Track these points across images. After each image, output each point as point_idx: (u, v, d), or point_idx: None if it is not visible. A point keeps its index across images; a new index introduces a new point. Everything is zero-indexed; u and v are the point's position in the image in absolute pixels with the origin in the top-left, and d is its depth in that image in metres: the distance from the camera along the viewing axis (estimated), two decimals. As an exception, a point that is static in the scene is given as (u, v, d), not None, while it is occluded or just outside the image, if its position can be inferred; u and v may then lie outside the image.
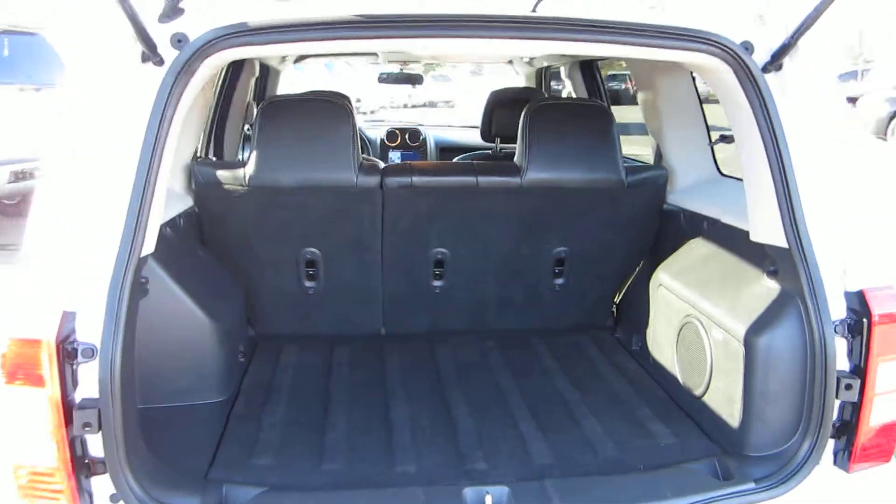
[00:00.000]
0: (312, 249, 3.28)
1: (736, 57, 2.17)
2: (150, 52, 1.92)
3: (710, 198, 3.22)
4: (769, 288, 2.44)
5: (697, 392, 2.72)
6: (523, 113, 3.26)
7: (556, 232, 3.40)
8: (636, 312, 3.43)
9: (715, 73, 2.27)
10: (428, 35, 2.10)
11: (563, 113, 3.31)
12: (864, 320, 2.17)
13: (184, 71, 1.96)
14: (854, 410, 2.21)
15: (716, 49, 2.17)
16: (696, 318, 2.74)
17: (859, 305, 2.19)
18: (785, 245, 2.27)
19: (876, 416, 2.22)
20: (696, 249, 3.04)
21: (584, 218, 3.36)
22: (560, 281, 3.53)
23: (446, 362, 3.26)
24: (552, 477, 2.26)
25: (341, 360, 3.27)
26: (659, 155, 3.58)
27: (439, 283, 3.46)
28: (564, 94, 5.24)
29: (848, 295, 2.22)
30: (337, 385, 3.01)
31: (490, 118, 4.74)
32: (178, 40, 1.96)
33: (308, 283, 3.36)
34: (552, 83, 5.91)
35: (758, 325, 2.37)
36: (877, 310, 2.16)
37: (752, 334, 2.36)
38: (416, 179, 3.16)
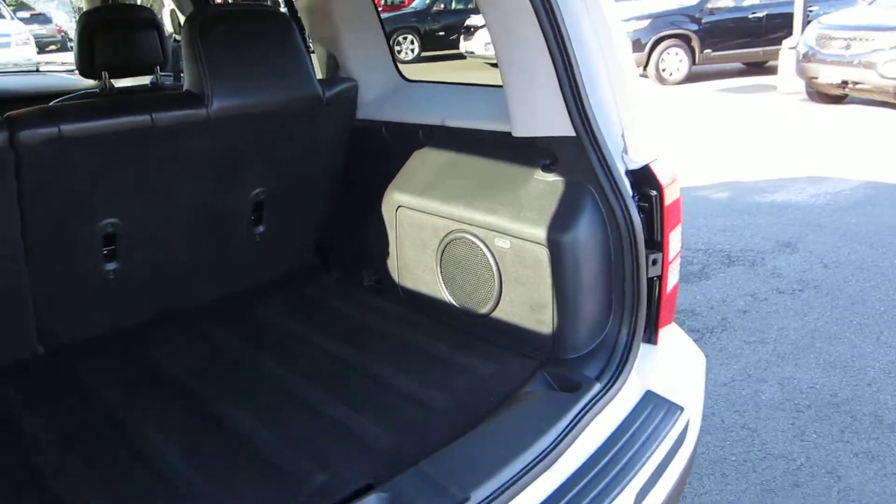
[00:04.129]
0: None
1: None
2: None
3: (413, 104, 2.96)
4: (550, 182, 2.33)
5: (484, 310, 2.53)
6: (184, 29, 2.52)
7: (252, 171, 2.80)
8: (357, 244, 3.07)
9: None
10: None
11: (237, 23, 2.65)
12: (654, 193, 2.18)
13: None
14: (657, 284, 2.25)
15: None
16: (468, 231, 2.51)
17: (646, 181, 2.20)
18: (571, 133, 2.15)
19: (669, 283, 2.31)
20: (431, 160, 2.78)
21: (280, 148, 2.82)
22: (261, 229, 2.95)
23: (171, 366, 2.48)
24: (414, 459, 1.84)
25: None
26: (335, 66, 3.16)
27: (112, 265, 2.58)
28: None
29: (634, 172, 2.21)
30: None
31: (89, 47, 3.67)
32: None
33: None
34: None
35: (556, 222, 2.24)
36: (664, 181, 2.20)
37: (556, 233, 2.22)
38: (65, 128, 2.21)
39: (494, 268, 2.46)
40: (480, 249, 2.49)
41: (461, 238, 2.56)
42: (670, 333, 2.43)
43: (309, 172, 3.02)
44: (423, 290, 2.79)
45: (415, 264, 2.78)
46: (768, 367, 4.02)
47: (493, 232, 2.43)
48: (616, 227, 2.17)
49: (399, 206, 2.78)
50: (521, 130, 2.35)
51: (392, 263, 2.90)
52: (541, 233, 2.26)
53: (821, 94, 11.44)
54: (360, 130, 3.07)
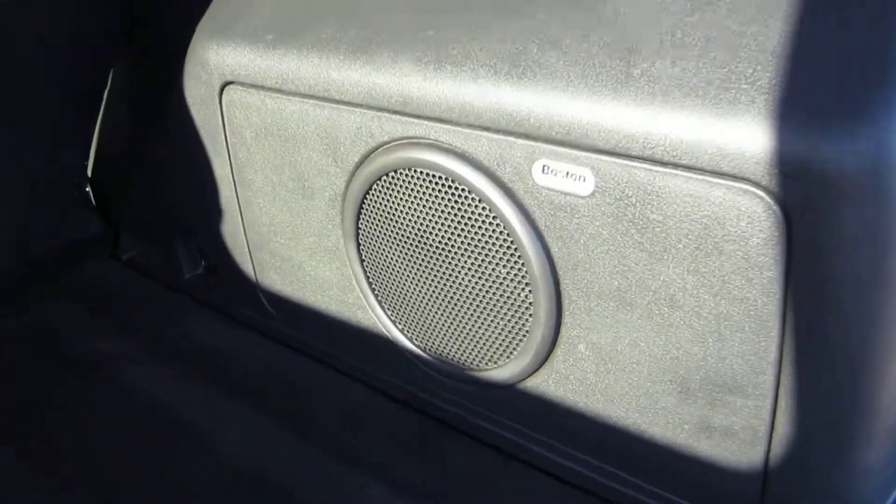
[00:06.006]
0: None
1: None
2: None
3: None
4: None
5: (499, 373, 0.86)
6: None
7: None
8: (154, 181, 1.31)
9: None
10: None
11: None
12: None
13: None
14: None
15: None
16: (438, 143, 0.77)
17: None
18: None
19: None
20: None
21: None
22: None
23: None
24: None
25: None
26: None
27: None
28: None
29: None
30: None
31: None
32: None
33: None
34: None
35: (810, 100, 0.53)
36: None
37: (828, 143, 0.52)
38: None
39: (533, 252, 0.76)
40: (477, 202, 0.77)
41: (409, 166, 0.82)
42: None
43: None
44: (316, 300, 1.06)
45: (285, 235, 1.04)
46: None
47: (521, 142, 0.70)
48: None
49: (226, 84, 1.00)
50: None
51: (231, 227, 1.14)
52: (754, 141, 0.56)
53: None
54: None
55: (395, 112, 0.82)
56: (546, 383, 0.85)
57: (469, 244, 0.82)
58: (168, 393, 1.14)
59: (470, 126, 0.76)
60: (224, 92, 1.02)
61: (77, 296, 1.39)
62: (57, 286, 1.39)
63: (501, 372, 0.87)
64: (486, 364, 0.89)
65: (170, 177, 1.26)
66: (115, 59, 1.30)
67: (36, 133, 1.28)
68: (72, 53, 1.23)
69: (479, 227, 0.81)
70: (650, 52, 0.67)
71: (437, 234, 0.85)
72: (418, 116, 0.80)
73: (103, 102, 1.36)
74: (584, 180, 0.70)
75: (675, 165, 0.65)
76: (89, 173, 1.47)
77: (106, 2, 1.22)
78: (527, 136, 0.73)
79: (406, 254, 0.89)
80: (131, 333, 1.28)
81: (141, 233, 1.45)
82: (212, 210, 1.15)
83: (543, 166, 0.72)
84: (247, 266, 1.15)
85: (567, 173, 0.71)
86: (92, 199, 1.48)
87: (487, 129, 0.75)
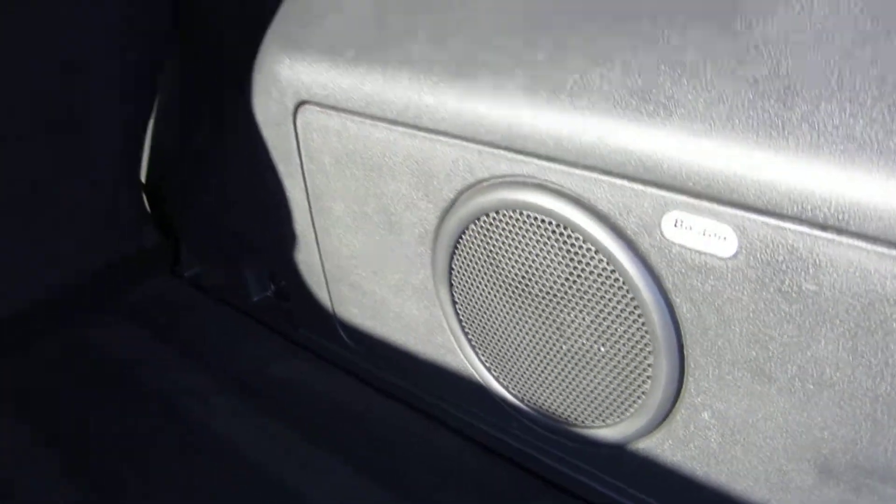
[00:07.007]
0: None
1: None
2: None
3: None
4: None
5: (609, 433, 0.78)
6: None
7: None
8: (218, 197, 1.25)
9: None
10: None
11: None
12: None
13: None
14: None
15: None
16: (547, 183, 0.70)
17: None
18: None
19: None
20: None
21: None
22: None
23: None
24: None
25: None
26: None
27: None
28: None
29: None
30: None
31: None
32: None
33: None
34: None
35: None
36: None
37: None
38: None
39: (657, 312, 0.67)
40: (593, 252, 0.69)
41: (515, 208, 0.74)
42: None
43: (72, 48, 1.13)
44: (400, 337, 0.99)
45: (368, 268, 0.97)
46: None
47: (650, 190, 0.62)
48: None
49: (300, 103, 0.93)
50: None
51: (305, 254, 1.08)
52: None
53: None
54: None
55: (499, 147, 0.74)
56: (661, 447, 0.77)
57: (582, 296, 0.74)
58: (245, 435, 1.08)
59: (587, 168, 0.68)
60: (298, 111, 0.95)
61: (139, 317, 1.34)
62: (117, 304, 1.35)
63: (611, 431, 0.80)
64: (594, 421, 0.82)
65: (235, 194, 1.20)
66: (166, 57, 1.24)
67: (86, 136, 1.23)
68: (119, 48, 1.17)
69: (595, 280, 0.72)
70: (812, 93, 0.57)
71: (544, 282, 0.77)
72: (526, 153, 0.72)
73: (155, 105, 1.30)
74: (725, 240, 0.61)
75: (840, 231, 0.56)
76: (143, 180, 1.41)
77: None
78: (657, 185, 0.64)
79: (507, 299, 0.82)
80: (199, 363, 1.23)
81: (203, 249, 1.40)
82: (284, 235, 1.08)
83: (676, 220, 0.64)
84: (323, 296, 1.08)
85: (704, 231, 0.62)
86: (147, 208, 1.43)
87: (609, 173, 0.67)
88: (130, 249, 1.41)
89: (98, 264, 1.36)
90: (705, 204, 0.62)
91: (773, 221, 0.59)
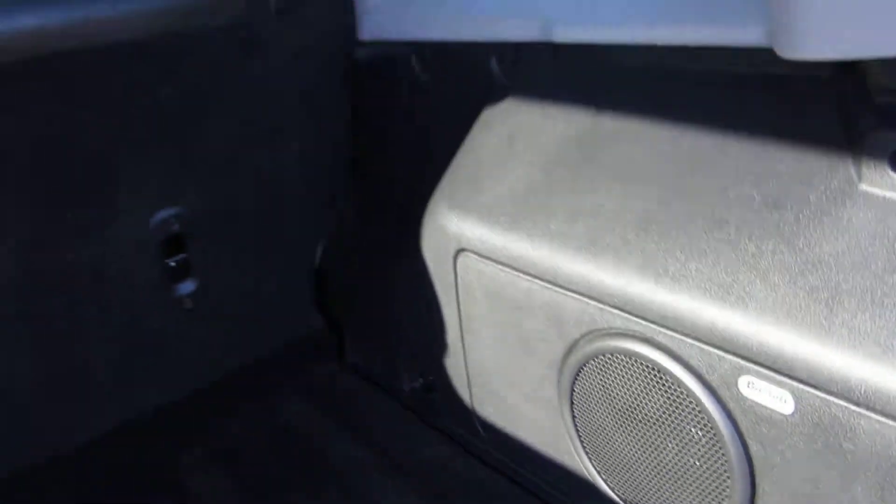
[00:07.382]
0: None
1: None
2: None
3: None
4: None
5: None
6: None
7: (138, 176, 1.29)
8: (384, 311, 1.53)
9: None
10: None
11: None
12: None
13: None
14: None
15: None
16: (647, 338, 0.93)
17: None
18: None
19: None
20: (529, 131, 1.18)
21: (187, 120, 1.29)
22: (189, 288, 1.45)
23: None
24: None
25: None
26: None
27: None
28: None
29: None
30: None
31: None
32: None
33: None
34: None
35: None
36: None
37: None
38: None
39: (733, 446, 0.89)
40: (685, 395, 0.91)
41: (626, 354, 0.98)
42: None
43: (268, 167, 1.47)
44: (528, 436, 1.24)
45: (505, 379, 1.22)
46: None
47: (730, 357, 0.84)
48: None
49: (461, 250, 1.21)
50: (814, 43, 0.71)
51: (453, 360, 1.35)
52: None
53: None
54: (365, 66, 1.48)
55: (616, 307, 0.98)
56: None
57: (675, 428, 0.97)
58: None
59: (684, 334, 0.91)
60: (459, 256, 1.23)
61: (314, 396, 1.65)
62: (294, 381, 1.67)
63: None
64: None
65: (398, 305, 1.50)
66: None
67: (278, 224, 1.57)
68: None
69: (686, 418, 0.95)
70: (852, 304, 0.79)
71: (645, 413, 1.00)
72: (637, 316, 0.96)
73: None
74: (786, 402, 0.83)
75: (870, 408, 0.76)
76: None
77: (333, 140, 1.51)
78: (735, 354, 0.86)
79: (616, 420, 1.05)
80: (363, 441, 1.52)
81: (364, 342, 1.70)
82: (438, 344, 1.36)
83: (749, 382, 0.86)
84: (465, 394, 1.35)
85: (770, 392, 0.84)
86: (316, 295, 1.75)
87: (699, 339, 0.90)
88: (301, 332, 1.72)
89: (276, 345, 1.68)
90: (772, 374, 0.84)
91: (821, 394, 0.80)
